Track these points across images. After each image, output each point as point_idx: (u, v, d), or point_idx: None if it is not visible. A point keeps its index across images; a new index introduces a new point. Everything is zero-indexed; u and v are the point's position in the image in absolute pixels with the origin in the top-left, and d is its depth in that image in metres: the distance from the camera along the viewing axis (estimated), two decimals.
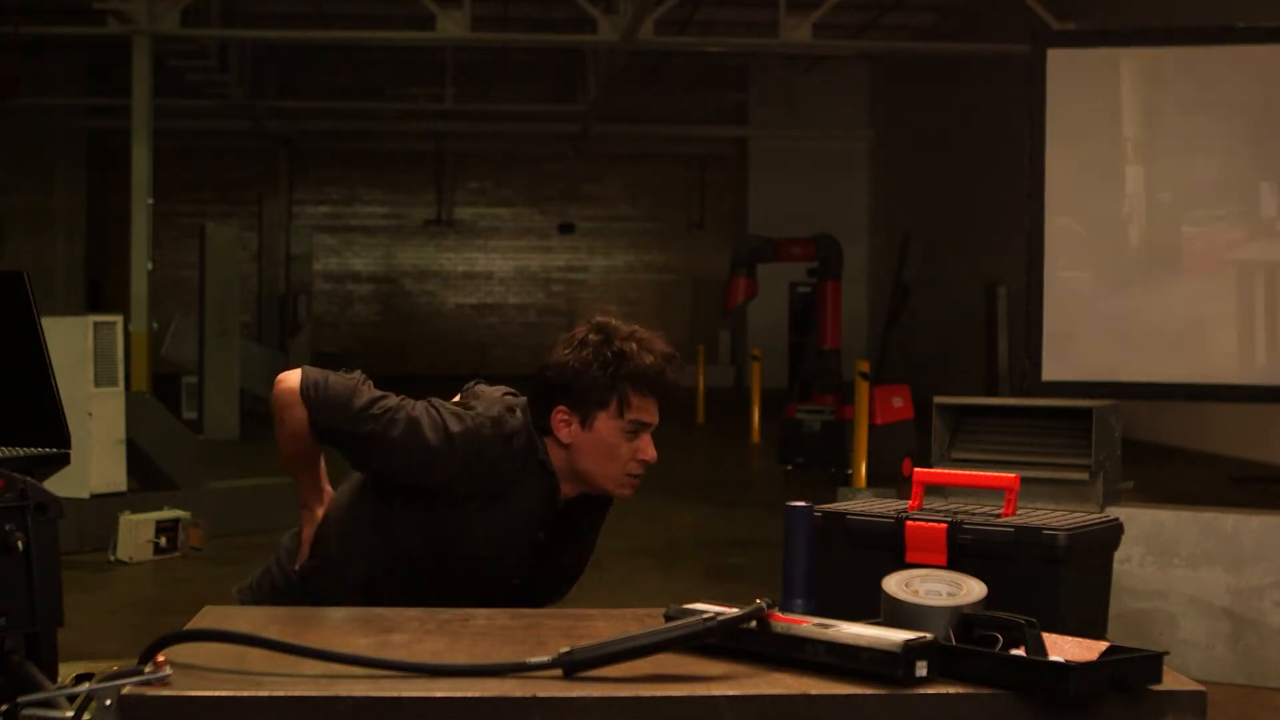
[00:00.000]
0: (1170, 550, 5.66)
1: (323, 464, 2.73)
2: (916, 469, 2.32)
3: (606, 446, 2.56)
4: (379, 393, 2.58)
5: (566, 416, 2.57)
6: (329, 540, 2.69)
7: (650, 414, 2.58)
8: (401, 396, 2.59)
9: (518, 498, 2.58)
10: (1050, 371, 6.06)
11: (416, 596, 2.51)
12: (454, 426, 2.53)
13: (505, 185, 28.58)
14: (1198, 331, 5.90)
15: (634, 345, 2.56)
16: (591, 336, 2.58)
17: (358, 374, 2.62)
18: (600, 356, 2.54)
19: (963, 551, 2.08)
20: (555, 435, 2.58)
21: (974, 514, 2.18)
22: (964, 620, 1.90)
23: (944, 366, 21.37)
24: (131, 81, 15.93)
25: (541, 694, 1.78)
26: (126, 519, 8.40)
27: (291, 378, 2.58)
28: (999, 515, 2.16)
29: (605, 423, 2.56)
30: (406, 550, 2.60)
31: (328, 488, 2.76)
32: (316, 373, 2.59)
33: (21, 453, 2.14)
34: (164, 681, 1.77)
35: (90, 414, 8.46)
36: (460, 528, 2.56)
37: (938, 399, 6.10)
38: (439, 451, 2.51)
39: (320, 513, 2.73)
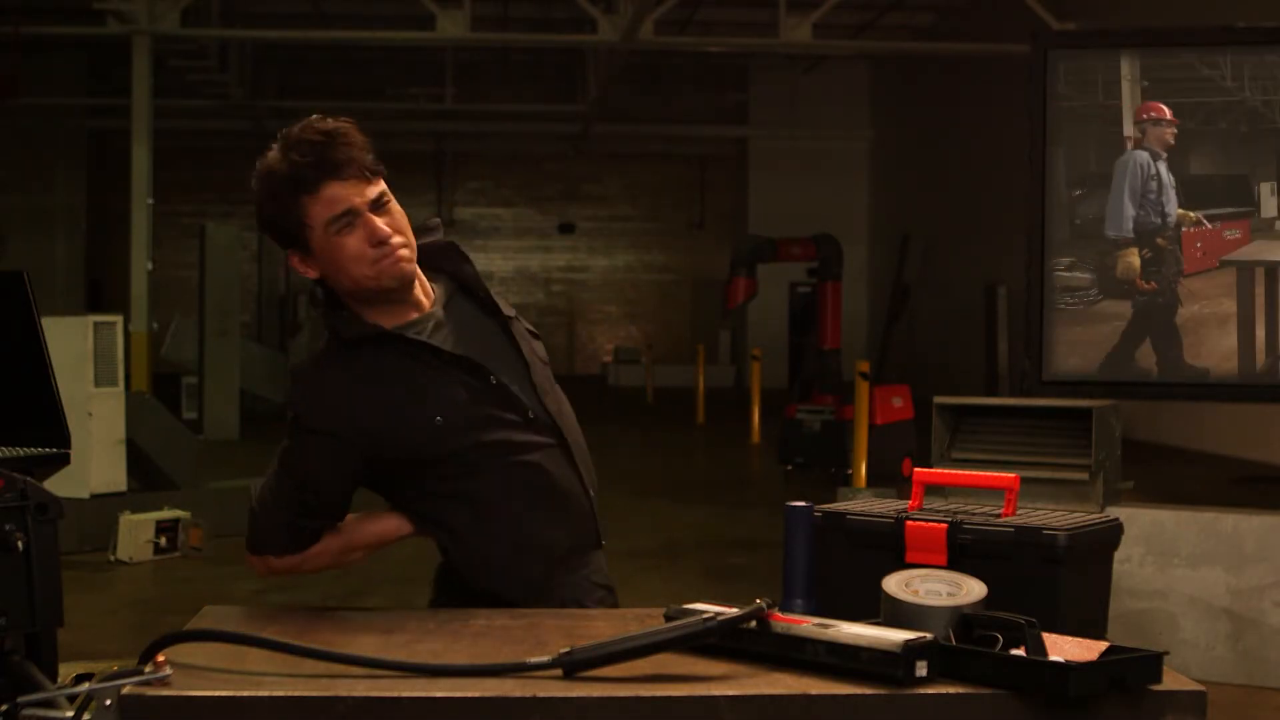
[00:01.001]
0: (1170, 550, 5.66)
1: (351, 524, 2.51)
2: (916, 469, 2.32)
3: (337, 257, 2.32)
4: (269, 475, 2.43)
5: (298, 259, 2.36)
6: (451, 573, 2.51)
7: (335, 201, 2.29)
8: (279, 447, 2.44)
9: (401, 383, 2.36)
10: (1050, 371, 6.06)
11: (519, 506, 2.39)
12: (297, 417, 2.38)
13: (505, 185, 28.60)
14: (1198, 331, 5.90)
15: (269, 158, 2.32)
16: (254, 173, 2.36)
17: (249, 486, 2.47)
18: (258, 190, 2.33)
19: (963, 551, 2.08)
20: (316, 282, 2.39)
21: (974, 514, 2.17)
22: (964, 620, 1.90)
23: (944, 366, 21.38)
24: (131, 81, 15.94)
25: (541, 694, 1.78)
26: (126, 519, 8.41)
27: (250, 556, 2.45)
28: (999, 515, 2.15)
29: (317, 239, 2.32)
30: (471, 509, 2.41)
31: (379, 518, 2.53)
32: (249, 531, 2.43)
33: (21, 453, 2.13)
34: (164, 681, 1.77)
35: (90, 414, 8.47)
36: (427, 446, 2.36)
37: (938, 399, 6.11)
38: (311, 442, 2.36)
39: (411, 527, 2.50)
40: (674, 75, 25.74)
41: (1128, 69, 5.98)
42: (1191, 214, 5.87)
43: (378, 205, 2.34)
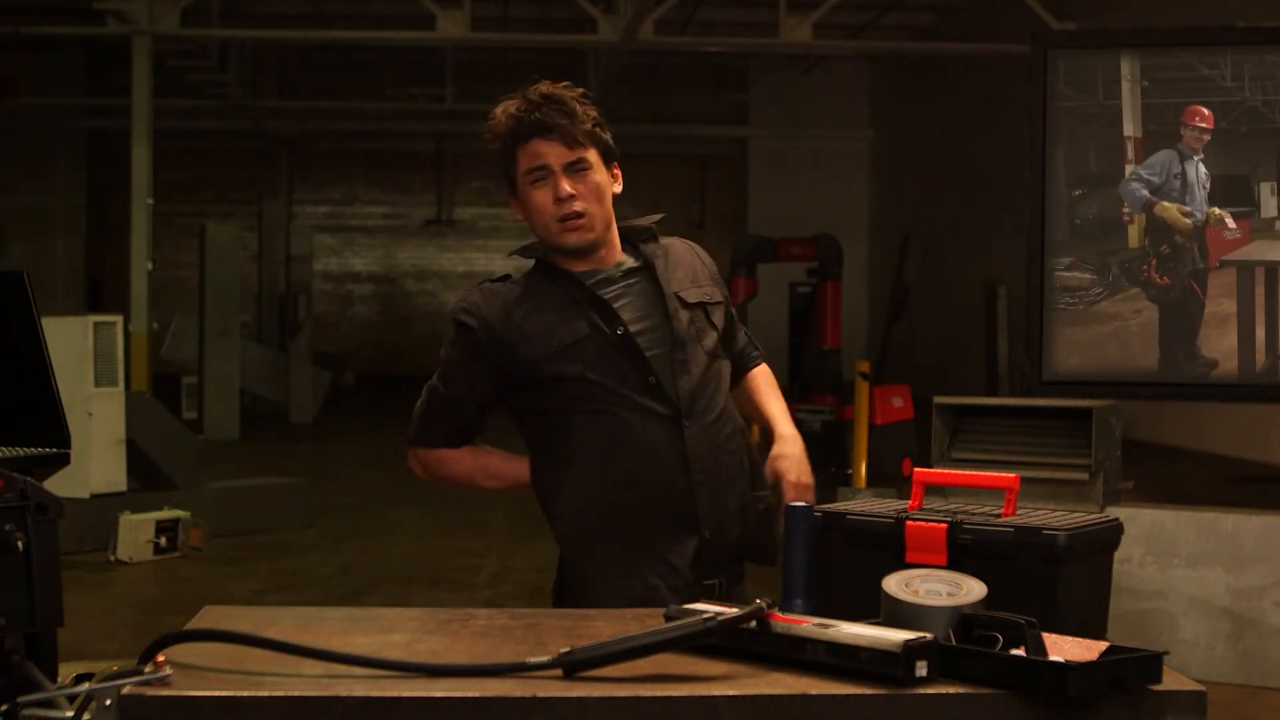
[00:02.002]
0: (1170, 550, 5.66)
1: (490, 452, 2.80)
2: (916, 469, 2.32)
3: (531, 206, 2.63)
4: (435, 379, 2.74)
5: (513, 201, 2.68)
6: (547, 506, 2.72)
7: (533, 156, 2.59)
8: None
9: (542, 305, 2.62)
10: (1050, 372, 6.06)
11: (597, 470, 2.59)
12: (455, 311, 2.68)
13: None
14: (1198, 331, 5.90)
15: (501, 108, 2.63)
16: None
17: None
18: (489, 134, 2.65)
19: (963, 551, 2.08)
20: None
21: (974, 514, 2.18)
22: (964, 620, 1.90)
23: (944, 366, 21.37)
24: (131, 81, 15.92)
25: (541, 694, 1.78)
26: (126, 519, 8.41)
27: (411, 452, 2.78)
28: (999, 515, 2.16)
29: (520, 187, 2.63)
30: (556, 442, 2.64)
31: (516, 459, 2.77)
32: (412, 430, 2.76)
33: (21, 453, 2.13)
34: (164, 681, 1.77)
35: (90, 414, 8.47)
36: (539, 363, 2.60)
37: (938, 399, 6.11)
38: (457, 334, 2.65)
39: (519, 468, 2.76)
40: (674, 75, 25.71)
41: (1128, 69, 5.98)
42: (1216, 211, 5.86)
43: (573, 169, 2.60)
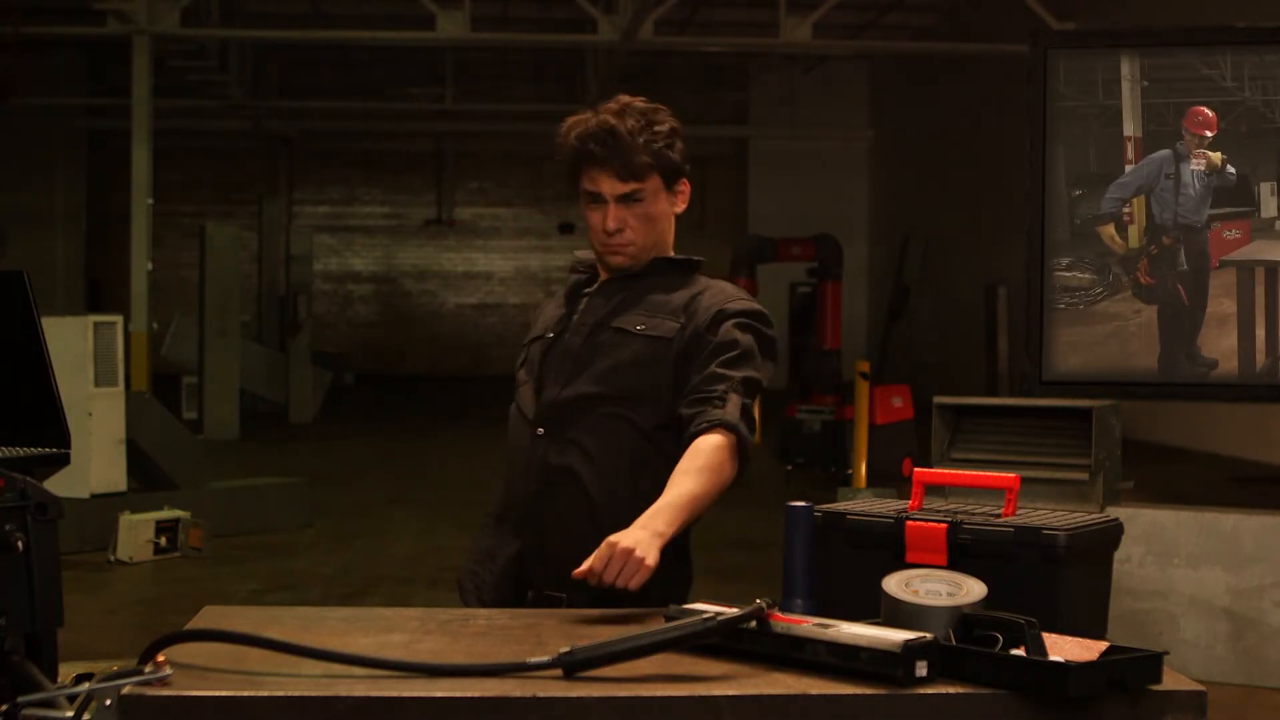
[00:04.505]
0: (1170, 550, 5.66)
1: None
2: (916, 469, 2.32)
3: (586, 221, 2.75)
4: None
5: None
6: None
7: (592, 182, 2.69)
8: None
9: (554, 300, 2.85)
10: (1050, 372, 6.06)
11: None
12: None
13: (505, 185, 28.56)
14: (1198, 331, 5.89)
15: (573, 119, 2.74)
16: None
17: None
18: (560, 140, 2.75)
19: (963, 551, 2.08)
20: None
21: (974, 514, 2.18)
22: (964, 620, 1.90)
23: (944, 366, 21.37)
24: (131, 81, 15.92)
25: (541, 694, 1.78)
26: (126, 519, 8.40)
27: None
28: (999, 515, 2.16)
29: (581, 200, 2.75)
30: None
31: None
32: None
33: (21, 453, 2.13)
34: (164, 681, 1.78)
35: (90, 414, 8.46)
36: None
37: (938, 399, 6.12)
38: None
39: None
40: (673, 75, 25.71)
41: (1128, 69, 5.98)
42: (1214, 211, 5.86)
43: (626, 199, 2.68)
